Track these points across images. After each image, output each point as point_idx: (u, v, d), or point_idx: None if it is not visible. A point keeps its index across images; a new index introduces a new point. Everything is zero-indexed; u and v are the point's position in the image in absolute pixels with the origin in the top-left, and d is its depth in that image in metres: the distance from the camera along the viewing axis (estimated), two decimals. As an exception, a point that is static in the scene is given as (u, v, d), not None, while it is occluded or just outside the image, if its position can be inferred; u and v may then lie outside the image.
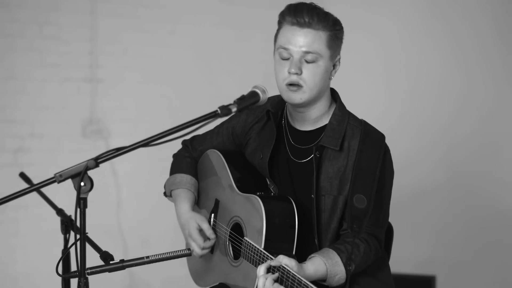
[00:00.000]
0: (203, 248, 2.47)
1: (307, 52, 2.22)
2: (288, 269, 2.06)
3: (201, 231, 2.48)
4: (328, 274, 2.17)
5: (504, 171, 4.28)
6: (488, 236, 4.32)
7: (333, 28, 2.25)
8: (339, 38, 2.30)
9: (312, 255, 2.20)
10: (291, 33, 2.23)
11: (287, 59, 2.25)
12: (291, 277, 2.04)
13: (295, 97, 2.25)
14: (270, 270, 2.11)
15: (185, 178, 2.60)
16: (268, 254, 2.17)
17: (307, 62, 2.23)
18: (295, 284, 2.02)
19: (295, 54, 2.23)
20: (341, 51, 2.36)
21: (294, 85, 2.24)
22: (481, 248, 4.35)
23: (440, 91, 4.51)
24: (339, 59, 2.34)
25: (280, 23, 2.29)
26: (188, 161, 2.65)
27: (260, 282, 2.09)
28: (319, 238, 2.30)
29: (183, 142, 2.71)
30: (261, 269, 2.10)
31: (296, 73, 2.23)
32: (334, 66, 2.32)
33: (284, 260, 2.08)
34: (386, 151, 2.31)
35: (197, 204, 2.67)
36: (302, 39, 2.22)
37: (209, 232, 2.46)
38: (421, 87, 4.60)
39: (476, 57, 4.38)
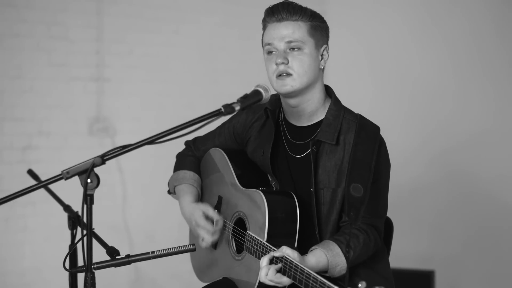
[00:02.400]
0: (213, 233, 2.46)
1: (289, 42, 2.29)
2: (291, 259, 2.09)
3: (207, 218, 2.48)
4: (329, 265, 2.19)
5: (501, 168, 4.27)
6: (486, 232, 4.32)
7: (312, 19, 2.32)
8: (322, 29, 2.35)
9: (313, 247, 2.23)
10: (272, 29, 2.32)
11: (273, 53, 2.32)
12: (293, 266, 2.06)
13: (286, 84, 2.29)
14: (273, 261, 2.14)
15: (188, 174, 2.62)
16: (271, 246, 2.19)
17: (292, 50, 2.29)
18: (298, 273, 2.05)
19: (279, 46, 2.30)
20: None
21: (283, 75, 2.29)
22: (479, 244, 4.35)
23: (438, 90, 4.52)
24: (326, 49, 2.38)
25: (263, 28, 2.38)
26: (191, 159, 2.68)
27: (262, 272, 2.12)
28: (319, 231, 2.33)
29: (186, 143, 2.74)
30: (264, 260, 2.13)
31: (283, 63, 2.28)
32: (322, 56, 2.37)
33: (287, 251, 2.11)
34: (381, 143, 2.34)
35: (201, 201, 2.66)
36: (283, 31, 2.30)
37: (215, 216, 2.46)
38: (419, 86, 4.61)
39: (473, 55, 4.38)
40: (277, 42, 2.30)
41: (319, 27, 2.34)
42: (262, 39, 2.39)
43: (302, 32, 2.30)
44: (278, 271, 2.12)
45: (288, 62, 2.29)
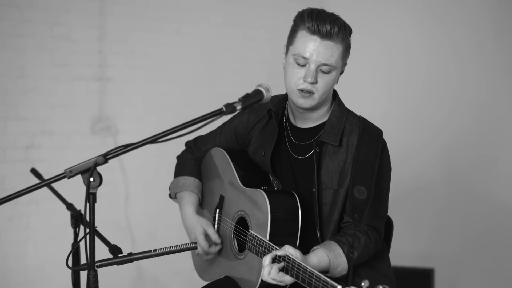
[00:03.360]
0: (207, 253, 2.54)
1: (324, 64, 2.26)
2: (293, 258, 2.09)
3: (206, 235, 2.54)
4: (330, 266, 2.20)
5: (500, 167, 4.29)
6: (485, 230, 4.33)
7: (348, 39, 2.30)
8: (349, 46, 2.33)
9: (314, 247, 2.24)
10: (312, 43, 2.25)
11: (303, 65, 2.28)
12: (296, 265, 2.07)
13: (306, 102, 2.30)
14: (275, 260, 2.14)
15: (189, 181, 2.65)
16: (274, 245, 2.20)
17: (322, 72, 2.27)
18: (301, 272, 2.05)
19: (312, 64, 2.26)
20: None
21: (306, 92, 2.29)
22: (479, 242, 4.36)
23: (439, 90, 4.53)
24: (346, 64, 2.38)
25: (298, 25, 2.30)
26: (191, 163, 2.69)
27: (265, 271, 2.13)
28: (321, 231, 2.35)
29: (187, 144, 2.75)
30: (267, 259, 2.14)
31: (312, 83, 2.27)
32: (342, 71, 2.37)
33: (289, 250, 2.12)
34: (383, 146, 2.36)
35: (202, 202, 2.70)
36: (322, 52, 2.24)
37: (214, 237, 2.52)
38: (420, 85, 4.62)
39: (474, 56, 4.40)
40: (313, 60, 2.25)
41: (349, 47, 2.32)
42: (292, 37, 2.31)
43: (337, 56, 2.26)
44: (281, 270, 2.12)
45: (316, 82, 2.28)
